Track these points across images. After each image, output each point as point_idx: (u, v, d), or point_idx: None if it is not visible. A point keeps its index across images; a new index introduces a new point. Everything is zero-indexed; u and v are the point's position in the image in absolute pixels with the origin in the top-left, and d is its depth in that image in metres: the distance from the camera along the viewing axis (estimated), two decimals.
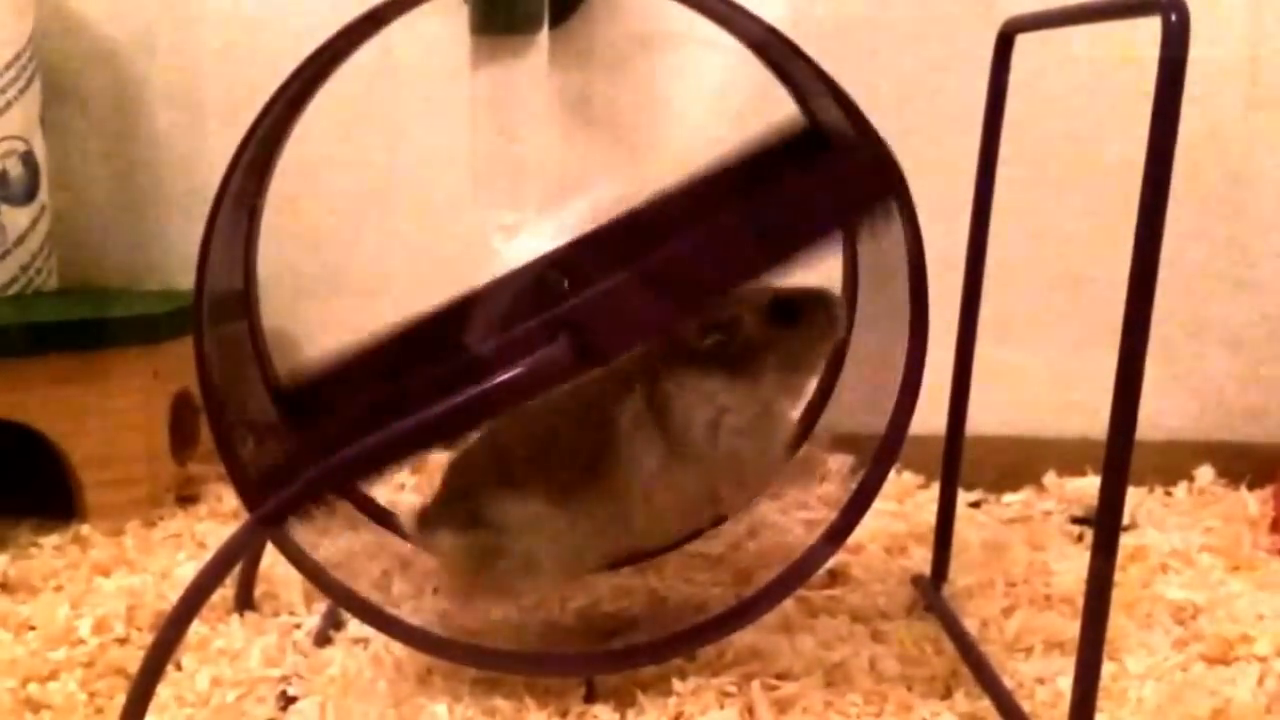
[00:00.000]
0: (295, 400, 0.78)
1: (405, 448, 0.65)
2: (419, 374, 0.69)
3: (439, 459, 0.83)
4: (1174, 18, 0.51)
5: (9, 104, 1.10)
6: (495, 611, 0.81)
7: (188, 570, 0.90)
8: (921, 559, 0.89)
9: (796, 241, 0.66)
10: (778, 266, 0.66)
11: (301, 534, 0.70)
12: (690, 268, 0.64)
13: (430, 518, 0.75)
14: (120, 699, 0.64)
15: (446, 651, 0.70)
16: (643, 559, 0.86)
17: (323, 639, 0.79)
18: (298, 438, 0.75)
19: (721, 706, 0.68)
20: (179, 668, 0.75)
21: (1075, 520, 1.02)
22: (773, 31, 0.65)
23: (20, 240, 1.13)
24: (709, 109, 1.10)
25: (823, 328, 0.73)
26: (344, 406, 0.72)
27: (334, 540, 0.78)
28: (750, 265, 0.65)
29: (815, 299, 0.73)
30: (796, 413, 0.80)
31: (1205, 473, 1.10)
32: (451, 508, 0.74)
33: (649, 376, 0.71)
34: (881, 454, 0.68)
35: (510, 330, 0.65)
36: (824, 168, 0.69)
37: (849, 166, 0.67)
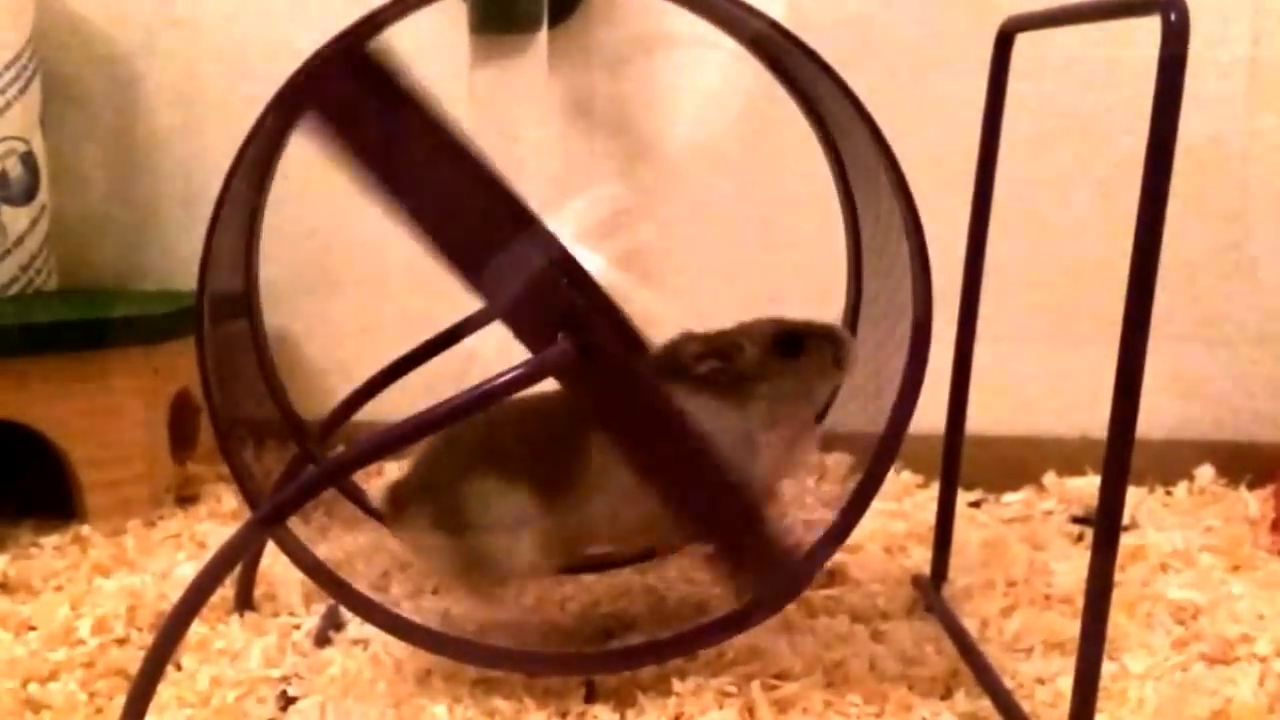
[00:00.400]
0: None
1: (404, 447, 0.65)
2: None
3: None
4: (1174, 17, 0.51)
5: (9, 104, 1.10)
6: (495, 611, 0.81)
7: (187, 570, 0.90)
8: (921, 559, 0.89)
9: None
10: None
11: (302, 534, 0.70)
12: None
13: (404, 497, 0.75)
14: (120, 699, 0.64)
15: (447, 650, 0.70)
16: (613, 565, 0.86)
17: (322, 639, 0.79)
18: None
19: (721, 707, 0.68)
20: (179, 668, 0.75)
21: (1075, 520, 1.02)
22: (775, 26, 0.65)
23: (20, 240, 1.13)
24: (709, 109, 1.10)
25: (825, 366, 0.73)
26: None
27: (334, 540, 0.78)
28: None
29: (823, 336, 0.73)
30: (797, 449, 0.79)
31: (1205, 472, 1.10)
32: (427, 490, 0.74)
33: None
34: (881, 454, 0.68)
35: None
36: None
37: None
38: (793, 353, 0.72)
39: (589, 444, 0.70)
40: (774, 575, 0.69)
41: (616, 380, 0.65)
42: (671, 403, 0.68)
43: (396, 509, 0.75)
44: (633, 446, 0.67)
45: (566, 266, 0.77)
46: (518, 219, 0.62)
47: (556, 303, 0.62)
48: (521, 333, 0.64)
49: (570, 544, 0.75)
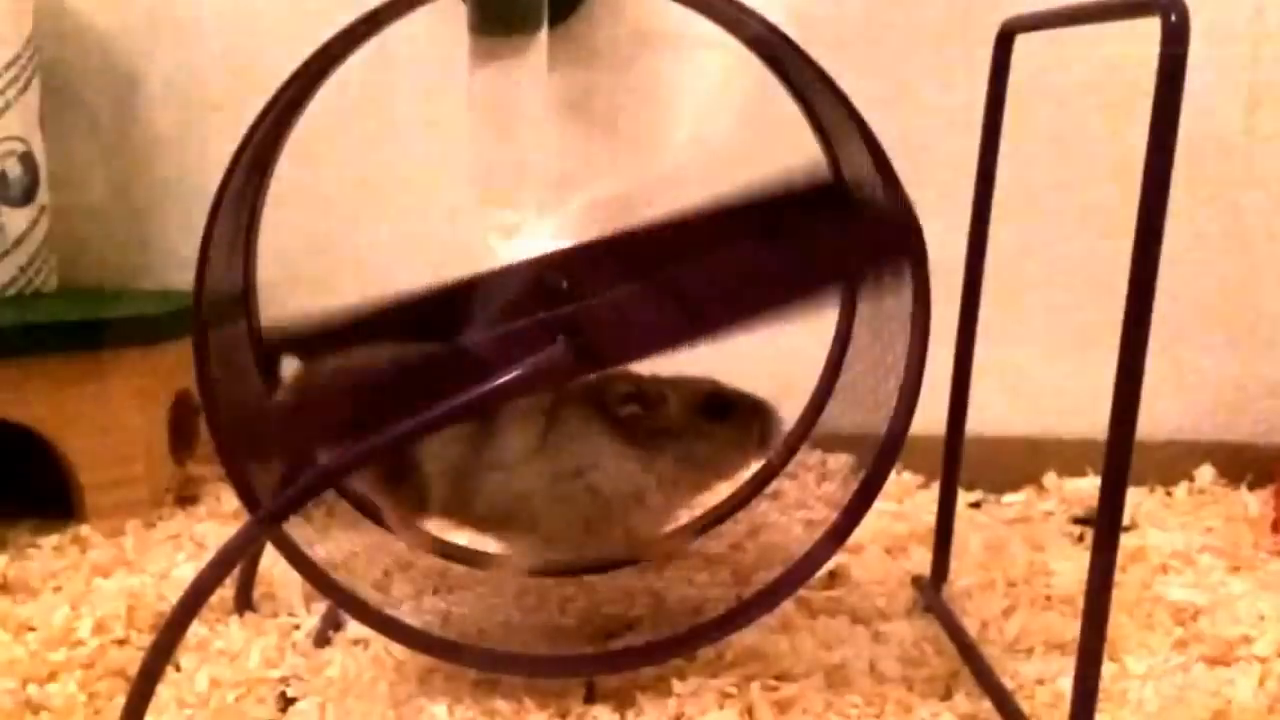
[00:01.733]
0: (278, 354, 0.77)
1: (404, 448, 0.65)
2: (413, 354, 0.70)
3: None
4: (1174, 17, 0.51)
5: (8, 105, 1.10)
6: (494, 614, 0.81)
7: (187, 571, 0.90)
8: (921, 559, 0.89)
9: (810, 288, 0.66)
10: (784, 309, 0.65)
11: (301, 535, 0.70)
12: (705, 292, 0.64)
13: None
14: (120, 700, 0.64)
15: (446, 653, 0.70)
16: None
17: (322, 640, 0.79)
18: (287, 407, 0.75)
19: (721, 707, 0.68)
20: (178, 669, 0.75)
21: (1075, 520, 1.02)
22: (773, 30, 0.64)
23: (19, 241, 1.13)
24: (709, 109, 1.10)
25: (746, 440, 0.73)
26: (334, 378, 0.72)
27: (334, 541, 0.78)
28: (760, 302, 0.65)
29: (753, 409, 0.73)
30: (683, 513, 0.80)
31: (1205, 473, 1.10)
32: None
33: (564, 393, 0.71)
34: (882, 455, 0.68)
35: (509, 326, 0.66)
36: (852, 224, 0.69)
37: (876, 228, 0.67)
38: (718, 418, 0.72)
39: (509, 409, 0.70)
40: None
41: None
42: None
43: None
44: None
45: (567, 269, 0.77)
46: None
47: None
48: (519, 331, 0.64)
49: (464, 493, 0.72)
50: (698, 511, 0.84)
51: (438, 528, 0.80)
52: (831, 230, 0.67)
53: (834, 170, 0.76)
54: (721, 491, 0.83)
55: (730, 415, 0.72)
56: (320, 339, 0.77)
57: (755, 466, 0.82)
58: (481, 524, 0.77)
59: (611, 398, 0.70)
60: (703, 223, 0.76)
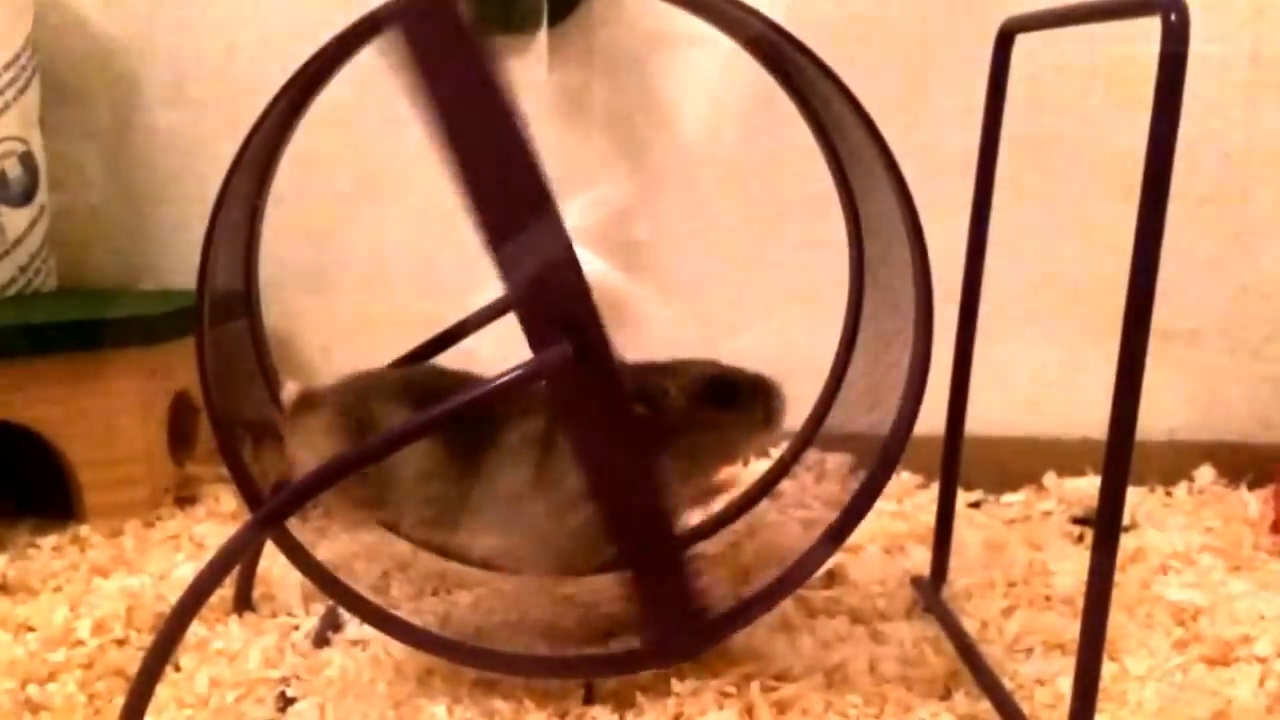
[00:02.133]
0: None
1: (403, 448, 0.65)
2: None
3: None
4: (1174, 17, 0.51)
5: (7, 105, 1.10)
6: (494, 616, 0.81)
7: (186, 571, 0.90)
8: (921, 559, 0.89)
9: None
10: None
11: (300, 535, 0.70)
12: None
13: (315, 401, 0.74)
14: (119, 700, 0.64)
15: (447, 652, 0.70)
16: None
17: (321, 640, 0.79)
18: None
19: (721, 707, 0.68)
20: (178, 669, 0.75)
21: (1075, 520, 1.02)
22: (775, 28, 0.64)
23: (19, 241, 1.13)
24: (709, 109, 1.10)
25: (753, 422, 0.71)
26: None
27: (333, 541, 0.78)
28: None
29: (756, 387, 0.71)
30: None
31: (1205, 473, 1.10)
32: (340, 402, 0.73)
33: (555, 414, 0.69)
34: (884, 457, 0.67)
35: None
36: None
37: None
38: (722, 404, 0.70)
39: (502, 434, 0.69)
40: (681, 622, 0.68)
41: (603, 388, 0.64)
42: (638, 422, 0.67)
43: (300, 409, 0.73)
44: (590, 453, 0.66)
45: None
46: (545, 203, 0.62)
47: (566, 300, 0.62)
48: (529, 323, 0.63)
49: (448, 519, 0.71)
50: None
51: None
52: None
53: (849, 217, 0.77)
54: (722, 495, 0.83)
55: (734, 398, 0.71)
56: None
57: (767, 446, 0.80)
58: (487, 565, 0.77)
59: None
60: None
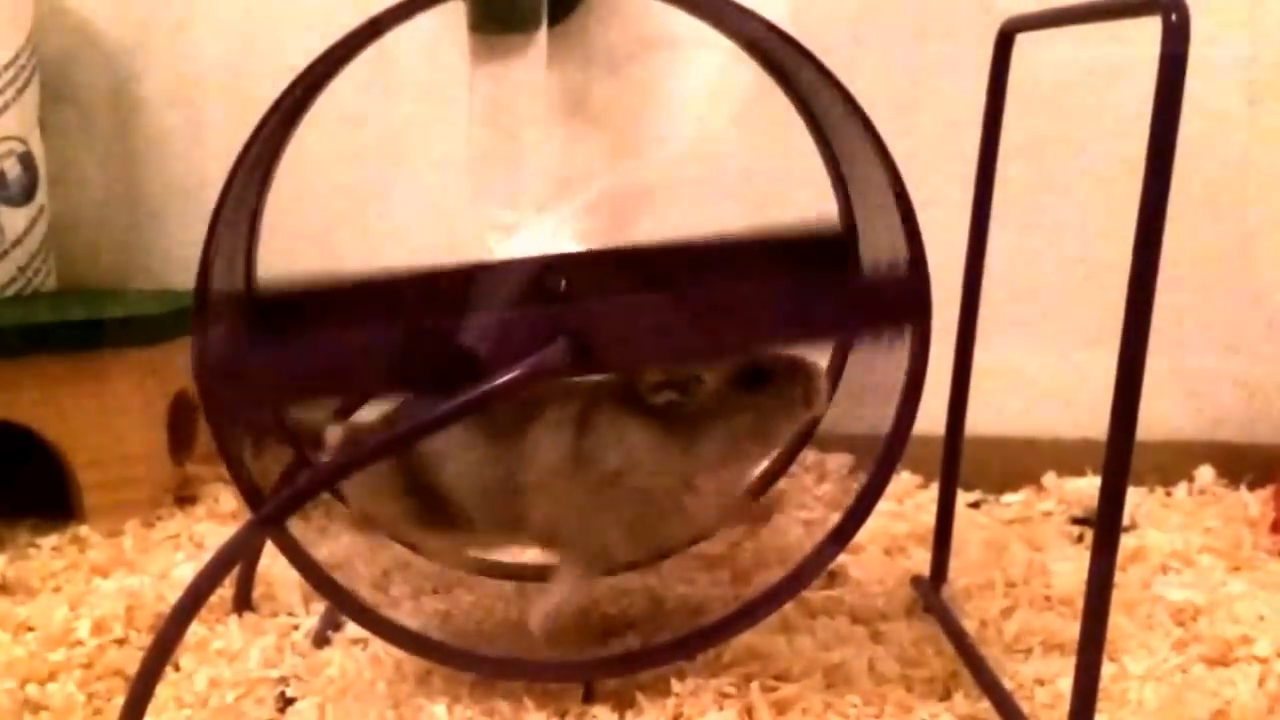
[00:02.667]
0: (270, 311, 0.76)
1: (404, 449, 0.65)
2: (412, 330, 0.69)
3: None
4: (1174, 17, 0.51)
5: (7, 105, 1.10)
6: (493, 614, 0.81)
7: (186, 571, 0.90)
8: (921, 559, 0.89)
9: (816, 333, 0.69)
10: (788, 345, 0.67)
11: (301, 535, 0.70)
12: (709, 316, 0.64)
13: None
14: (119, 700, 0.64)
15: (444, 656, 0.70)
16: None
17: (321, 640, 0.79)
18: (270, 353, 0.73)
19: (720, 708, 0.68)
20: (177, 669, 0.75)
21: (1075, 521, 1.02)
22: (775, 30, 0.64)
23: (18, 241, 1.13)
24: (708, 109, 1.10)
25: (791, 404, 0.70)
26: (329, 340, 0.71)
27: (333, 540, 0.78)
28: (759, 338, 0.66)
29: (793, 369, 0.70)
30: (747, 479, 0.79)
31: (1205, 473, 1.10)
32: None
33: (591, 398, 0.70)
34: (884, 457, 0.67)
35: (508, 315, 0.66)
36: (870, 284, 0.70)
37: (890, 292, 0.67)
38: (757, 387, 0.69)
39: (535, 424, 0.70)
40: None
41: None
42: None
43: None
44: None
45: (567, 271, 0.77)
46: None
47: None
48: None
49: (490, 504, 0.72)
50: None
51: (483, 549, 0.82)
52: (837, 288, 0.69)
53: (846, 217, 0.77)
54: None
55: (769, 381, 0.69)
56: (310, 301, 0.76)
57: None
58: (532, 542, 0.77)
59: (644, 387, 0.68)
60: (711, 252, 0.75)
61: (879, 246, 0.75)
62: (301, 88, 0.65)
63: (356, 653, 0.77)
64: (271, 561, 0.83)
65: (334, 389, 0.70)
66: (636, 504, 0.69)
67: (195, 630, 0.79)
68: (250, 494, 0.68)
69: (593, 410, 0.70)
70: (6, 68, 1.10)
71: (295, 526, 0.68)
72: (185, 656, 0.76)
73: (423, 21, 0.69)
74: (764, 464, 0.80)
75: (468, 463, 0.70)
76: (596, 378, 0.71)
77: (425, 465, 0.70)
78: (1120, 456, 0.55)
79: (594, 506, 0.70)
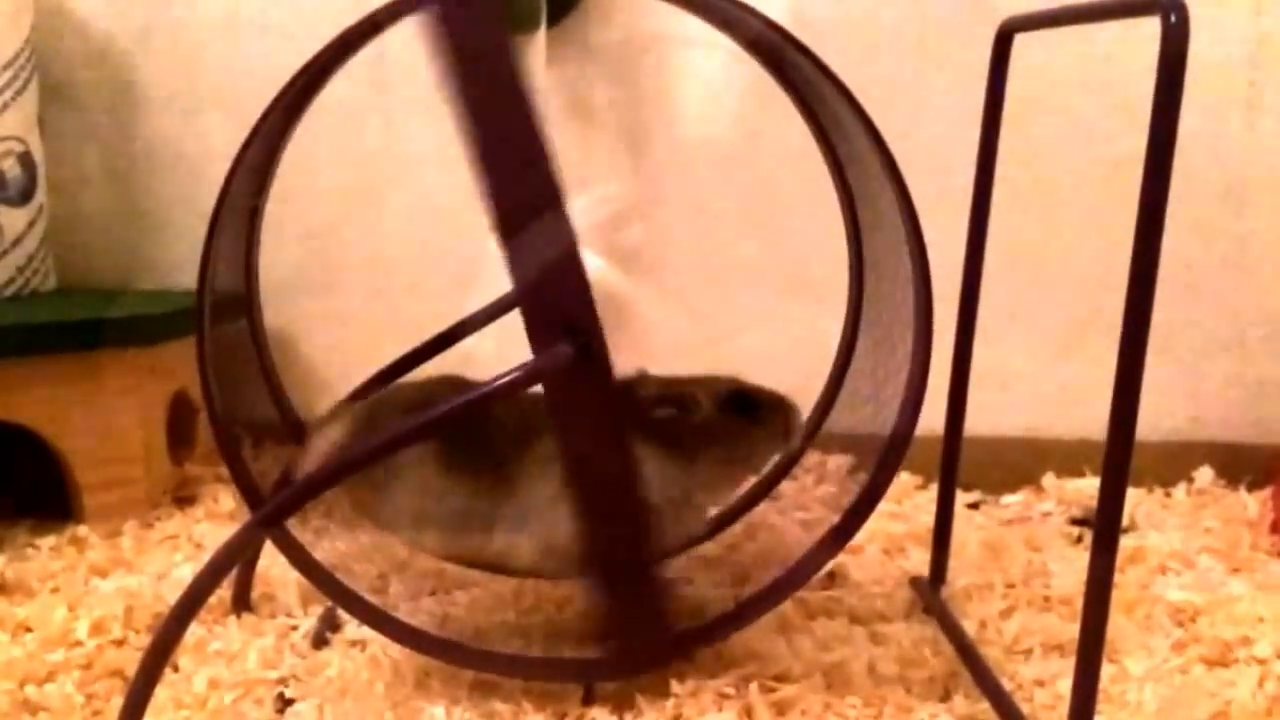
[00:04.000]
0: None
1: (403, 449, 0.65)
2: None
3: None
4: (1174, 18, 0.51)
5: (6, 105, 1.10)
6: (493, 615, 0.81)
7: (185, 571, 0.90)
8: (920, 560, 0.89)
9: None
10: None
11: (299, 536, 0.70)
12: None
13: (337, 414, 0.76)
14: (118, 701, 0.64)
15: (445, 653, 0.70)
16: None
17: (320, 641, 0.79)
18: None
19: (720, 708, 0.68)
20: (176, 669, 0.75)
21: (1074, 521, 1.02)
22: (775, 28, 0.64)
23: (18, 241, 1.13)
24: (707, 109, 1.10)
25: (775, 435, 0.74)
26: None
27: (332, 541, 0.78)
28: None
29: (777, 402, 0.73)
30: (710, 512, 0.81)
31: (1204, 474, 1.10)
32: (361, 414, 0.74)
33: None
34: (885, 459, 0.67)
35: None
36: None
37: None
38: (745, 416, 0.72)
39: (534, 445, 0.70)
40: (641, 634, 0.69)
41: (598, 391, 0.64)
42: (628, 431, 0.68)
43: (323, 422, 0.75)
44: (579, 457, 0.66)
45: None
46: (556, 199, 0.63)
47: (569, 300, 0.62)
48: (533, 322, 0.63)
49: (478, 529, 0.73)
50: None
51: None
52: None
53: (848, 215, 0.78)
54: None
55: (757, 411, 0.73)
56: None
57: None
58: (526, 572, 0.78)
59: (643, 401, 0.71)
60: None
61: (881, 244, 0.75)
62: (301, 83, 0.65)
63: (355, 654, 0.77)
64: (270, 562, 0.83)
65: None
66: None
67: (194, 631, 0.78)
68: (249, 494, 0.68)
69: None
70: (6, 67, 1.10)
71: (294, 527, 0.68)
72: (184, 657, 0.76)
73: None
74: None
75: (441, 495, 0.71)
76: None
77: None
78: (1120, 457, 0.55)
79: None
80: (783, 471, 0.86)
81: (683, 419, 0.71)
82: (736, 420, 0.72)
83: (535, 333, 0.63)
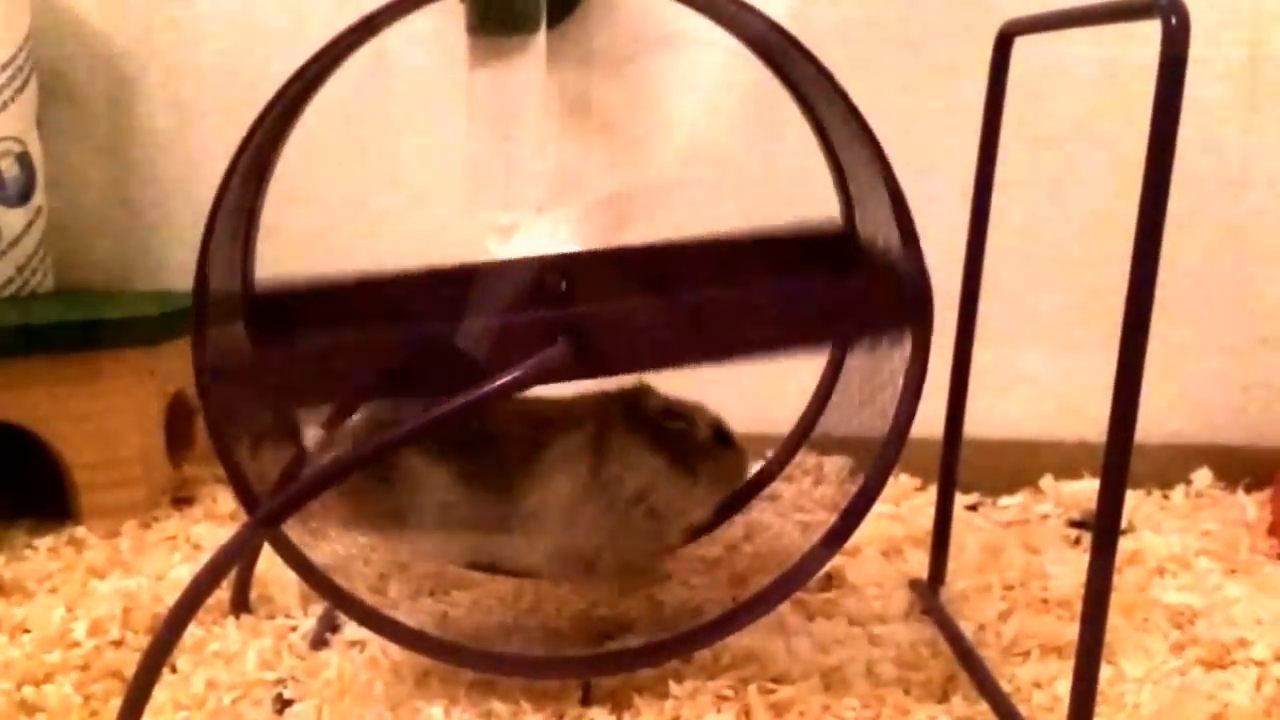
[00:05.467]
0: (267, 312, 0.77)
1: (403, 449, 0.65)
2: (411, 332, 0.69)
3: None
4: (1174, 19, 0.51)
5: (5, 105, 1.10)
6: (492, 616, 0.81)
7: (183, 572, 0.90)
8: (919, 562, 0.89)
9: (810, 339, 0.70)
10: (784, 351, 0.67)
11: (298, 536, 0.70)
12: (713, 320, 0.65)
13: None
14: (116, 702, 0.64)
15: (443, 654, 0.70)
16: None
17: (319, 642, 0.79)
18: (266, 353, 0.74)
19: (718, 710, 0.68)
20: (174, 670, 0.75)
21: (1073, 524, 1.02)
22: (775, 28, 0.64)
23: (16, 241, 1.13)
24: (707, 109, 1.10)
25: (739, 471, 0.80)
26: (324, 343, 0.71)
27: (331, 542, 0.78)
28: (762, 342, 0.66)
29: (738, 444, 0.78)
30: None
31: (1203, 476, 1.10)
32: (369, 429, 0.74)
33: (603, 421, 0.73)
34: (882, 460, 0.67)
35: (509, 318, 0.66)
36: (873, 285, 0.71)
37: (893, 292, 0.68)
38: (725, 442, 0.77)
39: (546, 454, 0.72)
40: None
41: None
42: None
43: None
44: None
45: (567, 272, 0.77)
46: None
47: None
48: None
49: (491, 541, 0.76)
50: None
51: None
52: (840, 289, 0.69)
53: (847, 218, 0.78)
54: None
55: (731, 442, 0.77)
56: (310, 302, 0.77)
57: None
58: (538, 572, 0.80)
59: (651, 412, 0.73)
60: (712, 252, 0.77)
61: (881, 246, 0.75)
62: (298, 84, 0.64)
63: (354, 655, 0.77)
64: (269, 563, 0.83)
65: (331, 391, 0.70)
66: (650, 527, 0.73)
67: (192, 632, 0.78)
68: (247, 496, 0.68)
69: (608, 433, 0.73)
70: (4, 68, 1.09)
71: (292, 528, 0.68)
72: (182, 658, 0.76)
73: (421, 23, 0.69)
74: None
75: (450, 510, 0.73)
76: (590, 402, 0.75)
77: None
78: (1118, 459, 0.55)
79: (612, 529, 0.73)
80: (779, 470, 0.87)
81: (690, 434, 0.74)
82: (719, 444, 0.76)
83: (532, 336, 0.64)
